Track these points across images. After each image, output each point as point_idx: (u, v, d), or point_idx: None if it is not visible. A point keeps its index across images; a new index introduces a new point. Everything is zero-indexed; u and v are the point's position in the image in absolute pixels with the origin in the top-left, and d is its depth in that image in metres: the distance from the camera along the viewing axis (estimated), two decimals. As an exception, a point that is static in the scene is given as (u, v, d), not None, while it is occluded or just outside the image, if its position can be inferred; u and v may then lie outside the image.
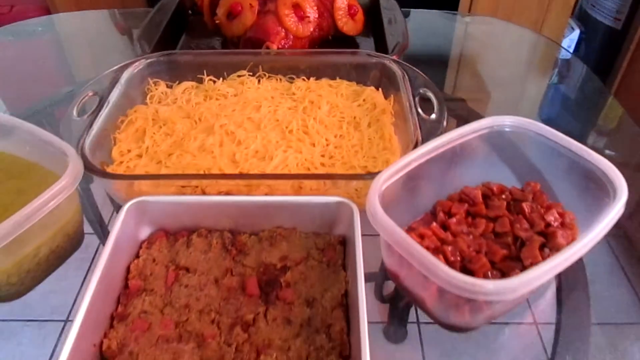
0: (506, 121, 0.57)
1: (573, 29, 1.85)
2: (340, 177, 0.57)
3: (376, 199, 0.46)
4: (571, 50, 1.51)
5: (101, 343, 0.46)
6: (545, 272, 0.41)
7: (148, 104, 0.72)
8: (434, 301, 0.48)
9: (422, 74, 0.68)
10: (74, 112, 0.62)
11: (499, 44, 1.09)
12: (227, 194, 0.57)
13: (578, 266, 0.61)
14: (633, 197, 0.68)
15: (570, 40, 1.83)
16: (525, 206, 0.55)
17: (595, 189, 0.52)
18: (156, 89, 0.73)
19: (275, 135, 0.65)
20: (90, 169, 0.54)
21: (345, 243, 0.55)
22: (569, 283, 0.59)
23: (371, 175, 0.54)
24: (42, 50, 1.09)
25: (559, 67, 1.04)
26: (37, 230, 0.50)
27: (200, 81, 0.76)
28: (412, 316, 0.55)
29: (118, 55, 1.01)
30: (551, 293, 0.58)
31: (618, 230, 0.62)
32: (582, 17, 1.88)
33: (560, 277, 0.59)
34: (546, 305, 0.58)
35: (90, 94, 0.65)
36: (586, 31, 1.86)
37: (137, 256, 0.54)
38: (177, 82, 0.75)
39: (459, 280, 0.40)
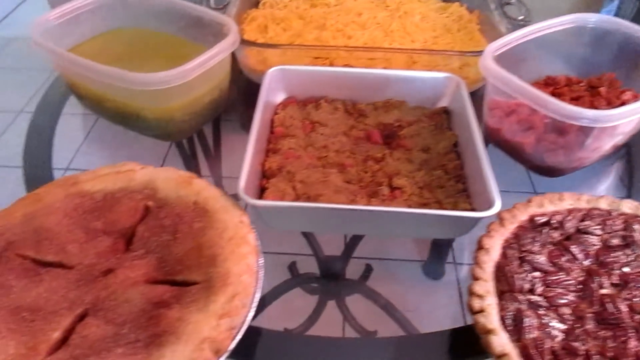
0: (590, 18, 0.67)
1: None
2: (451, 52, 0.67)
3: (490, 57, 0.57)
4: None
5: (263, 165, 0.57)
6: (631, 109, 0.52)
7: (261, 9, 0.82)
8: (532, 147, 0.58)
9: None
10: (212, 1, 0.73)
11: None
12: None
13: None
14: None
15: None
16: (602, 90, 0.65)
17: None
18: (268, -3, 0.84)
19: (379, 34, 0.75)
20: (243, 41, 0.65)
21: (448, 113, 0.66)
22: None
23: (475, 53, 0.64)
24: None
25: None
26: (202, 80, 0.60)
27: (305, -6, 0.86)
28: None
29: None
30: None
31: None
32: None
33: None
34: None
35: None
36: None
37: (276, 113, 0.65)
38: (286, -7, 0.85)
39: (566, 110, 0.51)
